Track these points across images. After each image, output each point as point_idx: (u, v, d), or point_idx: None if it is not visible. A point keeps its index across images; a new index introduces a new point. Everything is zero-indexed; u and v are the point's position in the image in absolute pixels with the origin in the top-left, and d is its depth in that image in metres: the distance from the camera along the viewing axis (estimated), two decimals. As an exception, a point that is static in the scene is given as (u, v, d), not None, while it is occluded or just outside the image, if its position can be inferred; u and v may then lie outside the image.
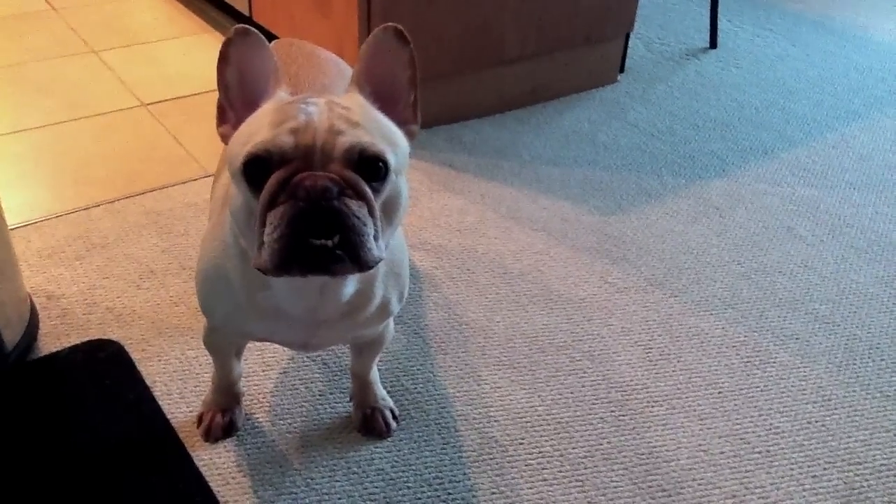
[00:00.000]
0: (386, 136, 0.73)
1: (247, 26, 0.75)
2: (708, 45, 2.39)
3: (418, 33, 1.68)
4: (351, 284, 0.80)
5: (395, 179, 0.73)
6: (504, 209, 1.56)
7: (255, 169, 0.69)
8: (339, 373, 1.17)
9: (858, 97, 2.12)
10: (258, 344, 1.18)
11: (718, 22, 2.39)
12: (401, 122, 0.78)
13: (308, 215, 0.66)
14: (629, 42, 2.14)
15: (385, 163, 0.70)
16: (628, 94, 2.06)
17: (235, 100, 0.78)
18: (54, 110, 1.85)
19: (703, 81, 2.17)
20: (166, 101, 1.90)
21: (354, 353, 1.04)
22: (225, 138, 0.78)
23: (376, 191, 0.70)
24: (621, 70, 2.15)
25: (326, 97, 0.73)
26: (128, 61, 2.09)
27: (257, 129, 0.71)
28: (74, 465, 1.01)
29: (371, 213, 0.69)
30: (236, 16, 2.27)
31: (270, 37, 1.86)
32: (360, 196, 0.68)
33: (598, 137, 1.83)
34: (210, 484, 1.00)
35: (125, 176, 1.61)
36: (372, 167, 0.70)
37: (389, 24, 0.76)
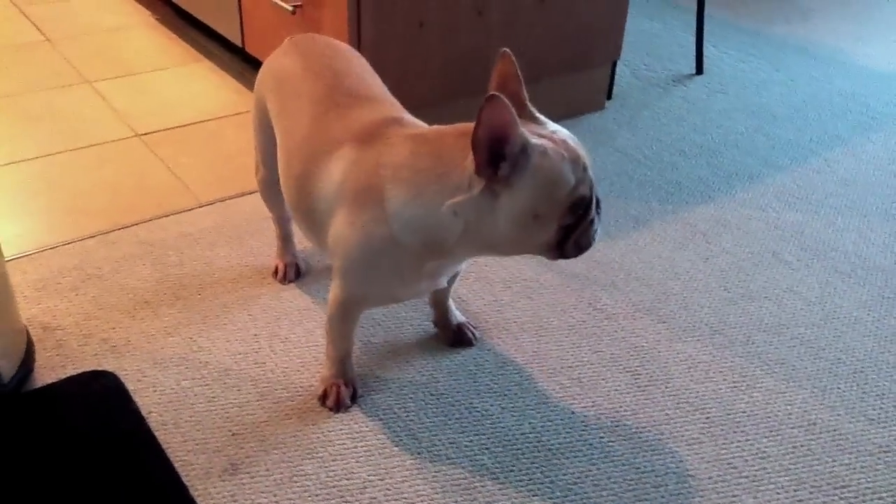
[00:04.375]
0: None
1: (496, 94, 0.87)
2: (694, 72, 2.43)
3: (407, 62, 1.71)
4: None
5: None
6: (494, 236, 1.58)
7: (582, 201, 0.95)
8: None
9: (842, 122, 2.16)
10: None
11: (704, 48, 2.43)
12: None
13: (599, 218, 1.00)
14: (616, 68, 2.18)
15: None
16: (615, 121, 2.10)
17: (485, 151, 0.90)
18: (48, 141, 1.87)
19: (689, 107, 2.21)
20: (159, 131, 1.93)
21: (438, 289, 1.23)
22: (491, 186, 0.93)
23: None
24: (608, 96, 2.19)
25: (551, 128, 0.97)
26: (121, 91, 2.12)
27: (574, 175, 0.93)
28: (69, 496, 1.02)
29: None
30: (228, 46, 2.30)
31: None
32: None
33: (587, 164, 1.85)
34: (205, 514, 1.01)
35: (119, 207, 1.63)
36: None
37: (504, 49, 0.99)
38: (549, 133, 0.95)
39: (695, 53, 2.43)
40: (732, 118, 2.16)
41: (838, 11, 3.07)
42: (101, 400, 1.17)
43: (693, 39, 2.44)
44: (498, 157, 0.91)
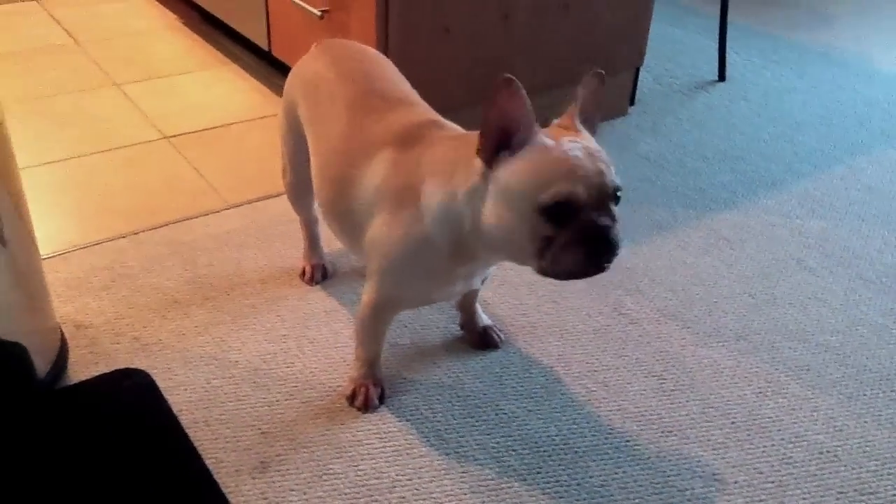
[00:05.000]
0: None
1: (511, 77, 0.89)
2: (717, 78, 2.43)
3: (432, 67, 1.73)
4: None
5: None
6: (518, 241, 1.60)
7: (560, 211, 0.90)
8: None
9: (865, 129, 2.16)
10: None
11: (727, 55, 2.43)
12: None
13: (601, 246, 0.91)
14: (639, 75, 2.19)
15: (621, 191, 0.94)
16: (638, 127, 2.10)
17: (493, 133, 0.93)
18: (78, 143, 1.89)
19: (712, 114, 2.21)
20: (187, 133, 1.95)
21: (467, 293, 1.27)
22: (487, 162, 0.94)
23: None
24: (631, 102, 2.20)
25: (580, 140, 0.94)
26: (149, 94, 2.15)
27: (551, 178, 0.90)
28: (102, 492, 1.04)
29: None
30: (255, 50, 2.32)
31: (289, 70, 1.92)
32: (616, 221, 0.92)
33: (610, 169, 1.86)
34: (236, 511, 1.02)
35: (148, 207, 1.65)
36: (617, 196, 0.93)
37: (598, 70, 0.98)
38: (567, 139, 0.94)
39: (717, 60, 2.43)
40: (755, 125, 2.16)
41: (862, 19, 3.06)
42: (133, 397, 1.19)
43: (716, 46, 2.44)
44: (504, 144, 0.92)
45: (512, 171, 0.92)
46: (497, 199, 0.93)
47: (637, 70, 2.15)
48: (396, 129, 1.06)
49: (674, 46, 2.68)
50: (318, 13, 1.77)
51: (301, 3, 1.82)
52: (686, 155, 1.98)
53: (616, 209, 0.93)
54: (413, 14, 1.64)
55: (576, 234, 0.90)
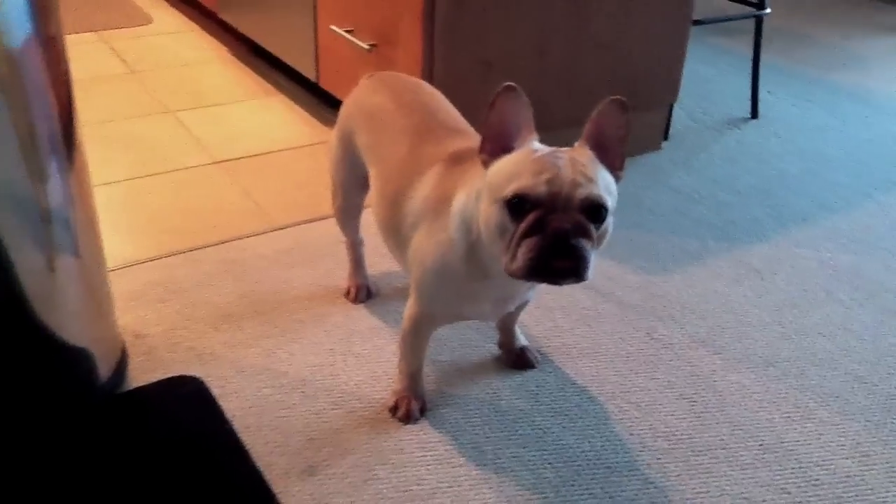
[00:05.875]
0: (608, 187, 0.96)
1: (513, 84, 0.95)
2: (749, 116, 2.48)
3: (473, 98, 1.80)
4: None
5: (609, 219, 0.96)
6: (554, 266, 1.65)
7: (518, 204, 0.92)
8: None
9: (895, 167, 2.19)
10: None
11: (759, 93, 2.49)
12: (610, 168, 0.99)
13: (553, 248, 0.91)
14: (673, 111, 2.25)
15: (606, 209, 0.94)
16: (671, 161, 2.16)
17: (494, 135, 0.99)
18: (134, 165, 2.00)
19: (743, 150, 2.26)
20: (237, 159, 2.04)
21: (506, 314, 1.29)
22: (484, 163, 1.00)
23: (597, 229, 0.94)
24: (665, 138, 2.26)
25: (569, 152, 0.96)
26: (201, 121, 2.25)
27: (520, 172, 0.93)
28: (160, 490, 1.11)
29: (593, 246, 0.93)
30: (303, 81, 2.42)
31: (338, 101, 2.01)
32: (587, 236, 0.92)
33: (643, 201, 1.92)
34: (285, 511, 1.08)
35: (201, 227, 1.73)
36: (597, 213, 0.93)
37: (615, 97, 0.98)
38: (558, 149, 0.97)
39: (750, 98, 2.49)
40: (787, 161, 2.21)
41: (894, 59, 3.11)
42: (188, 402, 1.26)
43: (748, 84, 2.50)
44: (507, 149, 0.99)
45: (496, 168, 0.98)
46: (484, 195, 0.98)
47: (671, 106, 2.21)
48: (451, 152, 1.14)
49: (707, 85, 2.74)
50: (367, 47, 1.86)
51: (351, 37, 1.91)
52: (718, 189, 2.03)
53: (590, 225, 0.92)
54: (456, 49, 1.73)
55: (526, 227, 0.92)
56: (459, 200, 1.06)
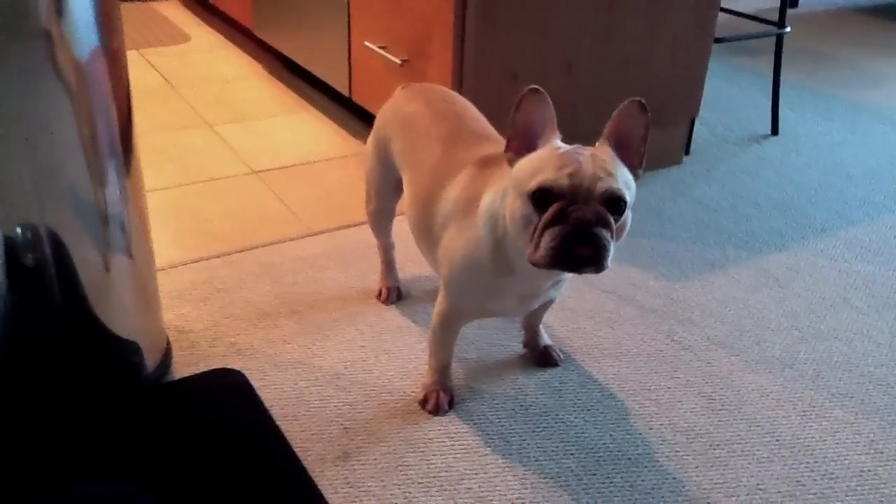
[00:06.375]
0: (626, 182, 1.02)
1: (538, 87, 1.02)
2: (770, 132, 2.54)
3: (501, 109, 1.87)
4: (567, 273, 1.11)
5: (628, 212, 1.02)
6: (577, 272, 1.72)
7: (542, 196, 0.99)
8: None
9: (915, 183, 2.24)
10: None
11: (780, 111, 2.54)
12: (630, 166, 1.05)
13: (574, 236, 0.97)
14: (694, 127, 2.31)
15: (624, 202, 1.00)
16: (693, 174, 2.22)
17: (519, 135, 1.06)
18: (176, 174, 2.09)
19: (764, 164, 2.31)
20: (273, 169, 2.13)
21: (530, 312, 1.37)
22: (510, 161, 1.07)
23: (616, 221, 0.99)
24: (686, 152, 2.32)
25: (590, 149, 1.03)
26: (237, 133, 2.34)
27: (543, 167, 1.00)
28: (204, 473, 1.18)
29: (611, 237, 0.99)
30: (336, 96, 2.51)
31: (368, 115, 2.09)
32: (607, 226, 0.98)
33: (664, 212, 1.98)
34: (322, 492, 1.15)
35: (239, 232, 1.82)
36: (616, 205, 0.99)
37: (635, 98, 1.04)
38: (579, 146, 1.03)
39: (770, 115, 2.54)
40: (806, 175, 2.26)
41: (915, 79, 3.15)
42: (230, 392, 1.33)
43: (769, 102, 2.55)
44: (531, 147, 1.06)
45: (521, 165, 1.05)
46: (510, 190, 1.05)
47: (692, 121, 2.27)
48: (480, 156, 1.21)
49: (729, 102, 2.80)
50: (399, 61, 1.95)
51: (385, 52, 2.00)
52: (738, 201, 2.08)
53: (610, 217, 0.98)
54: (485, 62, 1.80)
55: (549, 217, 0.98)
56: (487, 200, 1.13)
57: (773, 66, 2.49)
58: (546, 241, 0.98)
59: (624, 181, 1.01)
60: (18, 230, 1.12)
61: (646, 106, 1.04)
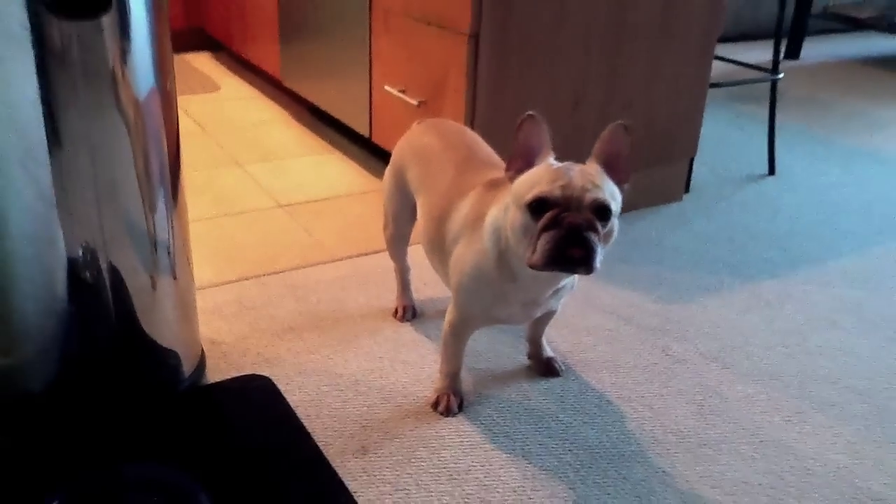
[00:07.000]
0: (612, 193, 1.16)
1: (534, 113, 1.18)
2: (767, 172, 2.67)
3: (509, 141, 2.03)
4: (564, 280, 1.26)
5: (614, 220, 1.14)
6: (580, 295, 1.84)
7: (538, 205, 1.12)
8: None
9: (906, 218, 2.36)
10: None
11: (777, 153, 2.68)
12: (617, 181, 1.19)
13: (567, 239, 1.10)
14: (693, 167, 2.45)
15: (611, 211, 1.13)
16: (692, 209, 2.35)
17: (519, 156, 1.21)
18: (209, 207, 2.25)
19: (761, 202, 2.45)
20: (299, 203, 2.29)
21: (533, 325, 1.52)
22: (511, 179, 1.21)
23: (603, 227, 1.12)
24: (686, 189, 2.45)
25: (580, 165, 1.17)
26: (266, 172, 2.51)
27: (539, 181, 1.14)
28: (237, 466, 1.30)
29: (600, 241, 1.12)
30: (356, 138, 2.69)
31: (387, 154, 2.25)
32: (595, 231, 1.11)
33: (664, 243, 2.11)
34: (348, 486, 1.27)
35: (268, 258, 1.97)
36: (603, 213, 1.12)
37: (620, 121, 1.19)
38: (571, 163, 1.17)
39: (767, 156, 2.68)
40: (801, 212, 2.38)
41: (911, 125, 3.28)
42: (259, 395, 1.46)
43: (766, 144, 2.69)
44: (530, 166, 1.20)
45: (520, 181, 1.18)
46: (511, 204, 1.18)
47: (691, 160, 2.42)
48: (487, 180, 1.35)
49: (729, 144, 2.95)
50: (416, 103, 2.11)
51: (403, 95, 2.17)
52: (735, 233, 2.21)
53: (598, 223, 1.10)
54: (497, 102, 1.96)
55: (545, 223, 1.11)
56: (491, 215, 1.27)
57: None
58: (542, 244, 1.11)
59: (610, 193, 1.15)
60: (80, 251, 1.26)
61: (629, 128, 1.18)
